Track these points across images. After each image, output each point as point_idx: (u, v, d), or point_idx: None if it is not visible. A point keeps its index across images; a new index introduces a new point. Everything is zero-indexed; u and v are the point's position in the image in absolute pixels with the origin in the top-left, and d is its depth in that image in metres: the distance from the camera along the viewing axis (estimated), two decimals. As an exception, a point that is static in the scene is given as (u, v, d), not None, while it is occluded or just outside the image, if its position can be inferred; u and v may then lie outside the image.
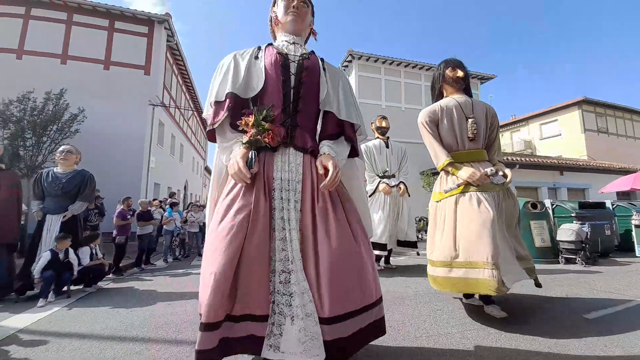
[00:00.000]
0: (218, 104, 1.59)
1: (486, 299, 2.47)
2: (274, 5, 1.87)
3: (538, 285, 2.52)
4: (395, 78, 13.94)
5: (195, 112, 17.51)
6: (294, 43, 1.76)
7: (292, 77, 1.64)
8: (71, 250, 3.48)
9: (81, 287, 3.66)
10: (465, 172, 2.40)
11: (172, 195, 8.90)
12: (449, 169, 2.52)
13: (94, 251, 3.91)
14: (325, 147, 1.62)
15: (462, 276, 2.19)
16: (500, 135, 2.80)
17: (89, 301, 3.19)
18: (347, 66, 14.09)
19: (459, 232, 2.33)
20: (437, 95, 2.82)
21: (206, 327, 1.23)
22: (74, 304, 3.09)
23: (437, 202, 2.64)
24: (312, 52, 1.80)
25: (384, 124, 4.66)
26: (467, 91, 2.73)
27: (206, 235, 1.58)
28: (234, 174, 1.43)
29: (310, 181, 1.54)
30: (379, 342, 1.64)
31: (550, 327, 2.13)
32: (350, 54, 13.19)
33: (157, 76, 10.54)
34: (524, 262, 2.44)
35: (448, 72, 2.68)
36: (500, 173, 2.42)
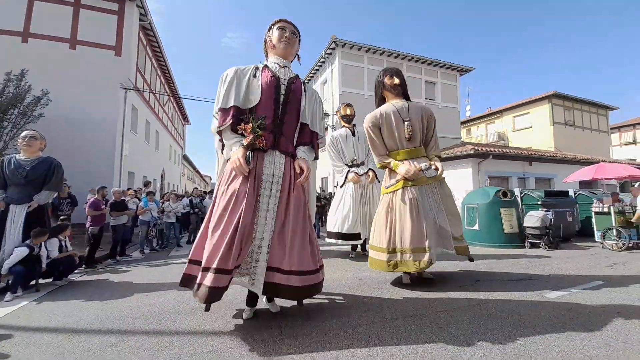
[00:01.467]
0: (225, 111, 2.08)
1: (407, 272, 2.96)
2: (269, 30, 2.34)
3: (470, 259, 3.04)
4: (378, 67, 13.93)
5: (171, 98, 16.75)
6: (284, 67, 2.26)
7: (282, 96, 2.16)
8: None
9: (50, 280, 3.50)
10: (402, 169, 2.83)
11: (147, 184, 8.51)
12: (390, 167, 2.97)
13: (63, 243, 3.74)
14: (301, 152, 2.23)
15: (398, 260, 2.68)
16: (436, 133, 3.18)
17: (60, 294, 3.07)
18: (330, 53, 13.89)
19: (396, 223, 2.77)
20: (379, 100, 3.19)
21: (218, 271, 1.78)
22: (43, 297, 2.97)
23: (385, 194, 3.01)
24: (297, 76, 2.30)
25: (348, 112, 4.61)
26: (405, 96, 3.11)
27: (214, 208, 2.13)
28: (235, 167, 1.95)
29: (289, 176, 2.12)
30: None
31: (512, 305, 2.30)
32: (334, 41, 12.98)
33: (129, 57, 9.88)
34: (458, 242, 2.90)
35: (386, 80, 3.06)
36: (433, 167, 2.83)
